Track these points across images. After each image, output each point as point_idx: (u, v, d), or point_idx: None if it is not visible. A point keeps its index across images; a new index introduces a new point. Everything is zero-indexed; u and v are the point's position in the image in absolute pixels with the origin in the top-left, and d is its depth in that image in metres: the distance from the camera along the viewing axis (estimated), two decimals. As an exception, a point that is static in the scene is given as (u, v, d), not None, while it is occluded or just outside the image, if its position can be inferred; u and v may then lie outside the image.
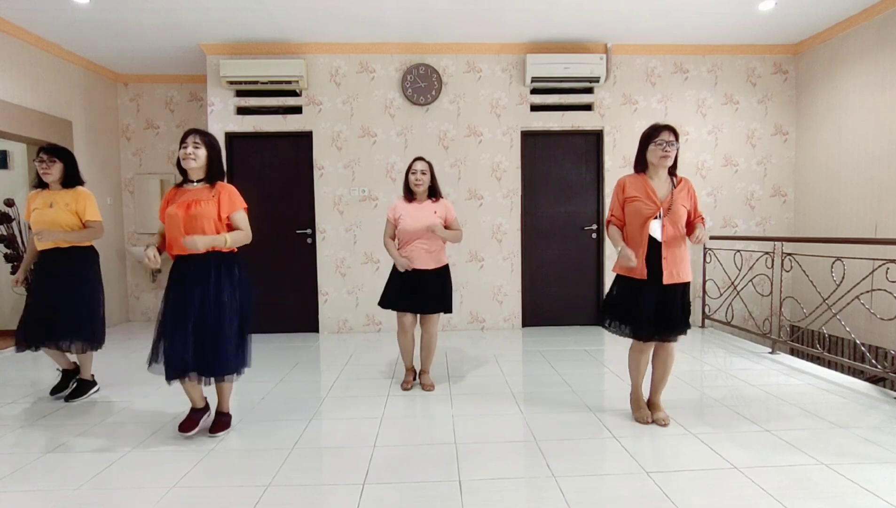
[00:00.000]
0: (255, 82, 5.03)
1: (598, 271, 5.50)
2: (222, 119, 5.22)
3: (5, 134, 4.54)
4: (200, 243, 2.44)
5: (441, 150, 5.30)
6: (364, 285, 5.33)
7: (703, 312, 5.30)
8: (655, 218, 2.60)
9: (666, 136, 2.59)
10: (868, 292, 3.48)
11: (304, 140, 5.25)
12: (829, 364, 4.05)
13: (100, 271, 3.39)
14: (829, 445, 2.46)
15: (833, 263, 3.70)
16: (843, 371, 3.78)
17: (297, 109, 5.26)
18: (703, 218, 2.73)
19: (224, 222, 2.59)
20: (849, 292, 3.63)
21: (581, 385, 3.46)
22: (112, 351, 4.64)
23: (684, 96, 5.39)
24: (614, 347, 4.58)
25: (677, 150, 2.62)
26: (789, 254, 4.19)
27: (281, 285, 5.28)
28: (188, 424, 2.67)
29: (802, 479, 2.15)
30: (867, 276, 3.49)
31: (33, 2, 4.12)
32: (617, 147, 5.37)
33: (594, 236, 5.49)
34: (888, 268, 3.28)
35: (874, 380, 3.71)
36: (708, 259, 5.29)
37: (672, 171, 2.69)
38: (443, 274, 3.36)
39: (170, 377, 2.50)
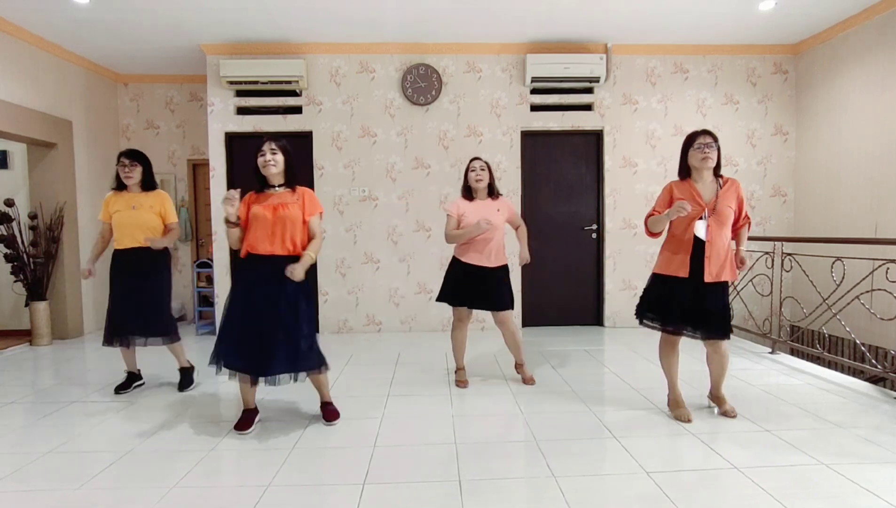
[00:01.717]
0: (255, 82, 5.03)
1: (598, 271, 5.50)
2: (222, 119, 5.22)
3: (5, 134, 4.55)
4: (299, 273, 2.57)
5: (441, 150, 5.30)
6: (364, 285, 5.33)
7: (703, 312, 5.30)
8: (700, 218, 2.67)
9: (703, 138, 2.69)
10: (868, 292, 3.48)
11: (304, 140, 5.25)
12: (829, 364, 4.05)
13: (171, 270, 3.57)
14: (829, 445, 2.46)
15: (833, 263, 3.70)
16: (843, 371, 3.78)
17: (297, 109, 5.26)
18: (749, 219, 2.82)
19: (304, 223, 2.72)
20: (849, 292, 3.63)
21: (581, 385, 3.46)
22: (112, 351, 4.63)
23: (684, 96, 5.39)
24: (614, 347, 4.58)
25: (718, 151, 2.70)
26: (789, 254, 4.19)
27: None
28: (245, 423, 2.74)
29: (802, 479, 2.15)
30: (867, 276, 3.49)
31: (33, 2, 4.13)
32: (617, 147, 5.37)
33: (594, 236, 5.49)
34: (888, 268, 3.28)
35: (874, 380, 3.71)
36: (708, 259, 5.29)
37: (717, 172, 2.78)
38: (504, 271, 3.41)
39: (240, 369, 2.60)
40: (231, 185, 5.24)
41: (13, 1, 4.12)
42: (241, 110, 5.26)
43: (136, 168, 3.31)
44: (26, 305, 4.95)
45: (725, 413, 2.86)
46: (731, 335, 2.82)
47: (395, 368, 3.95)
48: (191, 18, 4.53)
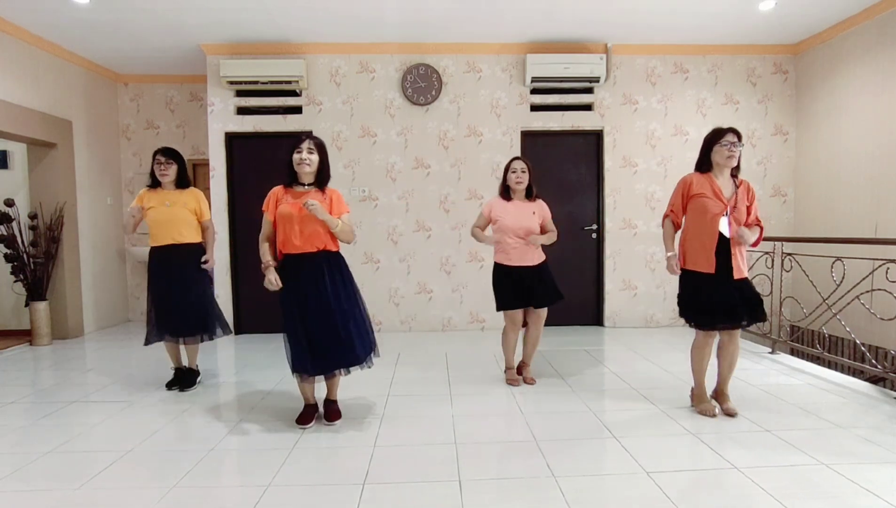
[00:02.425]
0: (256, 82, 5.03)
1: (598, 271, 5.50)
2: (222, 119, 5.22)
3: (5, 134, 4.55)
4: (320, 212, 2.57)
5: (441, 150, 5.30)
6: (364, 285, 5.27)
7: (703, 312, 5.30)
8: (724, 215, 2.70)
9: (731, 137, 2.72)
10: (868, 292, 3.48)
11: (304, 140, 5.24)
12: (829, 364, 4.05)
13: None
14: (829, 445, 2.46)
15: (833, 263, 3.70)
16: (843, 371, 3.78)
17: (297, 109, 5.26)
18: (761, 225, 2.82)
19: None
20: (849, 292, 3.63)
21: (581, 385, 3.46)
22: (112, 351, 4.64)
23: (684, 96, 5.39)
24: (614, 347, 4.58)
25: (740, 152, 2.74)
26: (789, 254, 4.19)
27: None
28: (306, 417, 2.80)
29: (802, 479, 2.15)
30: (867, 276, 3.49)
31: (33, 2, 4.13)
32: (617, 147, 5.37)
33: (594, 236, 5.49)
34: (888, 268, 3.28)
35: (874, 380, 3.70)
36: (708, 259, 5.29)
37: (734, 172, 2.81)
38: (546, 267, 3.43)
39: (312, 373, 2.67)
40: (231, 184, 5.25)
41: (13, 1, 4.12)
42: (242, 110, 5.26)
43: (172, 166, 3.35)
44: (26, 305, 4.95)
45: (727, 412, 2.86)
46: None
47: (395, 368, 3.95)
48: (191, 18, 4.53)
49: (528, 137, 5.38)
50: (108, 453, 2.49)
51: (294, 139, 2.75)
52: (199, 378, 3.60)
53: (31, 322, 4.91)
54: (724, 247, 2.72)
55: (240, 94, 5.21)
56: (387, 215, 5.31)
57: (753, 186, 2.87)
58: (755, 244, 2.83)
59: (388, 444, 2.57)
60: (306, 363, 2.64)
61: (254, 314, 5.34)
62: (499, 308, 3.45)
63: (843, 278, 3.60)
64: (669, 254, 2.86)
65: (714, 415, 2.83)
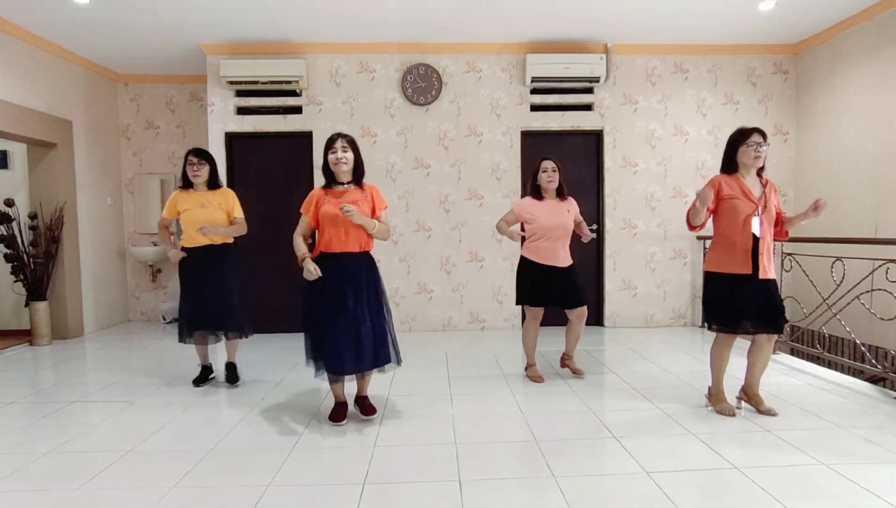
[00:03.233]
0: (255, 82, 5.03)
1: (598, 271, 5.50)
2: (222, 119, 5.22)
3: (5, 134, 4.55)
4: (356, 217, 2.60)
5: (441, 150, 5.30)
6: (364, 285, 5.32)
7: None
8: (755, 215, 2.71)
9: (757, 137, 2.72)
10: (868, 292, 3.48)
11: (304, 140, 5.25)
12: (829, 364, 4.05)
13: (239, 266, 3.64)
14: (829, 445, 2.46)
15: (833, 263, 3.70)
16: (843, 371, 3.78)
17: (297, 109, 5.26)
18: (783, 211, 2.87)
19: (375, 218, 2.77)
20: (849, 292, 3.63)
21: (581, 385, 3.46)
22: (112, 351, 4.64)
23: (684, 96, 5.39)
24: (614, 347, 4.58)
25: (766, 150, 2.76)
26: (789, 254, 4.19)
27: (280, 285, 5.27)
28: (341, 415, 2.81)
29: (802, 479, 2.15)
30: (867, 276, 3.49)
31: (33, 2, 4.13)
32: (617, 147, 5.37)
33: (594, 236, 5.48)
34: (888, 268, 3.28)
35: (874, 380, 3.70)
36: (708, 259, 5.30)
37: (760, 171, 2.82)
38: (573, 269, 3.48)
39: (342, 372, 2.66)
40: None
41: (13, 1, 4.12)
42: (242, 110, 5.26)
43: (204, 167, 3.39)
44: (26, 305, 4.95)
45: (769, 412, 2.84)
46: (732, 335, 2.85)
47: (395, 367, 3.93)
48: (191, 18, 4.53)
49: (528, 137, 5.38)
50: (108, 453, 2.49)
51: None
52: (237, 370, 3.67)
53: (31, 322, 4.91)
54: (753, 248, 2.71)
55: (240, 94, 5.21)
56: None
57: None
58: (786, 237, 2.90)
59: (388, 444, 2.56)
60: (342, 363, 2.64)
61: (254, 315, 5.32)
62: (518, 302, 3.48)
63: (843, 278, 3.60)
64: (698, 200, 2.71)
65: (733, 415, 2.83)
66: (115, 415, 3.02)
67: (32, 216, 4.96)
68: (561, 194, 3.48)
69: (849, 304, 3.67)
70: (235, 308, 3.47)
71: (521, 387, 3.46)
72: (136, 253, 5.90)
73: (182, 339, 3.45)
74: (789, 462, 2.30)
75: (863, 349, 3.61)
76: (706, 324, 2.92)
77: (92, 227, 5.55)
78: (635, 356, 4.21)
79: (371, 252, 2.83)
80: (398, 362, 2.87)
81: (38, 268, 4.89)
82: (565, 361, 3.72)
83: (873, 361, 3.54)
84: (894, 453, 2.37)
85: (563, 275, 3.41)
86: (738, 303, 2.72)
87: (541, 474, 2.23)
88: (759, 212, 2.72)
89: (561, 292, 3.41)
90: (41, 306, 4.91)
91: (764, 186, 2.80)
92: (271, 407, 3.12)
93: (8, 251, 4.80)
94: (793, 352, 4.42)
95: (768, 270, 2.73)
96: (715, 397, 2.96)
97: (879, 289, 3.36)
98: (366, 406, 2.91)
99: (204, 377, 3.58)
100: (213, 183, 3.45)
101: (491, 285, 5.36)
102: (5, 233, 4.76)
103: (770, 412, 2.84)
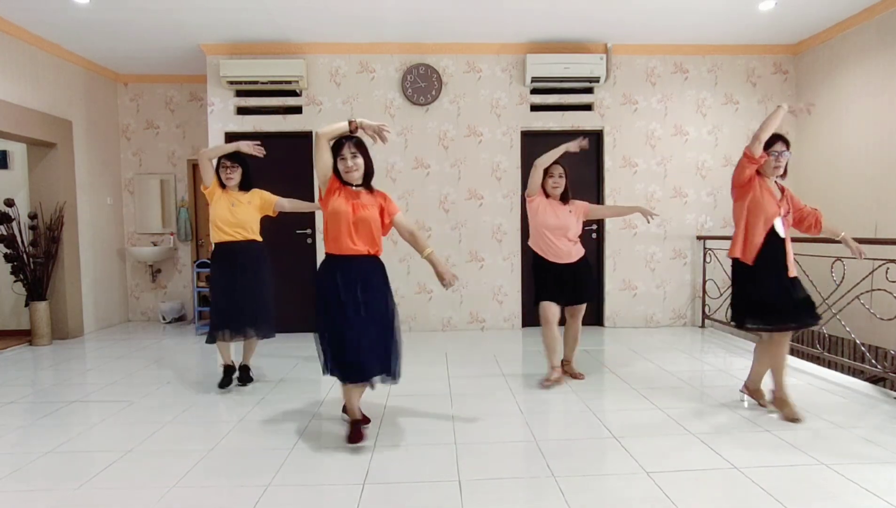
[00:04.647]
0: (255, 82, 5.03)
1: (599, 271, 5.49)
2: (222, 119, 5.22)
3: (5, 134, 4.55)
4: (448, 277, 2.67)
5: (441, 150, 5.30)
6: (364, 285, 5.32)
7: (703, 312, 5.31)
8: (778, 217, 2.75)
9: (779, 146, 2.75)
10: (868, 292, 3.48)
11: (304, 140, 5.24)
12: (829, 364, 4.05)
13: (271, 264, 3.60)
14: (829, 445, 2.46)
15: (833, 263, 3.70)
16: (843, 371, 3.78)
17: (297, 109, 5.26)
18: (817, 211, 2.89)
19: (386, 225, 2.70)
20: (849, 292, 3.63)
21: (581, 385, 3.46)
22: (112, 351, 4.64)
23: (684, 96, 5.39)
24: (614, 347, 4.58)
25: (788, 158, 2.78)
26: (789, 254, 4.19)
27: (280, 285, 5.25)
28: (357, 436, 2.59)
29: (802, 479, 2.15)
30: (867, 276, 3.49)
31: (33, 2, 4.12)
32: (617, 147, 5.37)
33: (594, 236, 5.49)
34: (888, 268, 3.28)
35: (874, 380, 3.70)
36: (708, 259, 5.30)
37: (780, 177, 2.85)
38: (586, 264, 3.50)
39: (356, 380, 2.55)
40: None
41: (13, 1, 4.12)
42: (241, 110, 5.26)
43: (237, 170, 3.42)
44: (26, 305, 4.95)
45: (794, 418, 2.75)
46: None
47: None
48: (191, 18, 4.52)
49: (528, 137, 5.38)
50: (108, 453, 2.49)
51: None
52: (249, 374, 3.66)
53: (31, 322, 4.91)
54: (775, 247, 2.74)
55: (240, 94, 5.20)
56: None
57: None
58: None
59: (388, 444, 2.57)
60: (344, 371, 2.54)
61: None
62: (537, 301, 3.46)
63: (843, 278, 3.60)
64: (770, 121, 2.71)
65: (799, 419, 2.75)
66: (115, 415, 3.02)
67: (32, 216, 4.96)
68: (565, 198, 3.50)
69: (849, 304, 3.67)
70: (270, 308, 3.49)
71: (521, 387, 3.46)
72: (135, 253, 5.90)
73: (212, 339, 3.37)
74: (789, 461, 2.30)
75: (863, 349, 3.61)
76: (746, 327, 2.85)
77: (92, 227, 5.55)
78: (635, 356, 4.21)
79: (379, 256, 2.71)
80: (394, 376, 2.66)
81: (38, 268, 4.89)
82: (564, 366, 3.68)
83: (873, 361, 3.54)
84: (894, 453, 2.37)
85: (573, 270, 3.43)
86: (781, 296, 2.73)
87: (541, 474, 2.23)
88: (782, 214, 2.76)
89: (574, 287, 3.43)
90: (41, 306, 4.91)
91: (782, 192, 2.83)
92: (271, 407, 3.12)
93: (8, 251, 4.80)
94: (793, 352, 4.42)
95: (793, 268, 2.79)
96: (778, 401, 2.86)
97: (879, 289, 3.36)
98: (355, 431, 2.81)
99: (229, 378, 3.50)
100: (244, 185, 3.49)
101: (491, 285, 5.36)
102: (5, 233, 4.76)
103: (796, 418, 2.76)
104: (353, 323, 2.52)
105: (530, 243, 3.55)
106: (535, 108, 5.35)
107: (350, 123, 2.56)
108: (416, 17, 4.62)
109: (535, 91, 5.31)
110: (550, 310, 3.42)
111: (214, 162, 3.43)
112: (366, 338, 2.53)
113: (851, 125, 4.75)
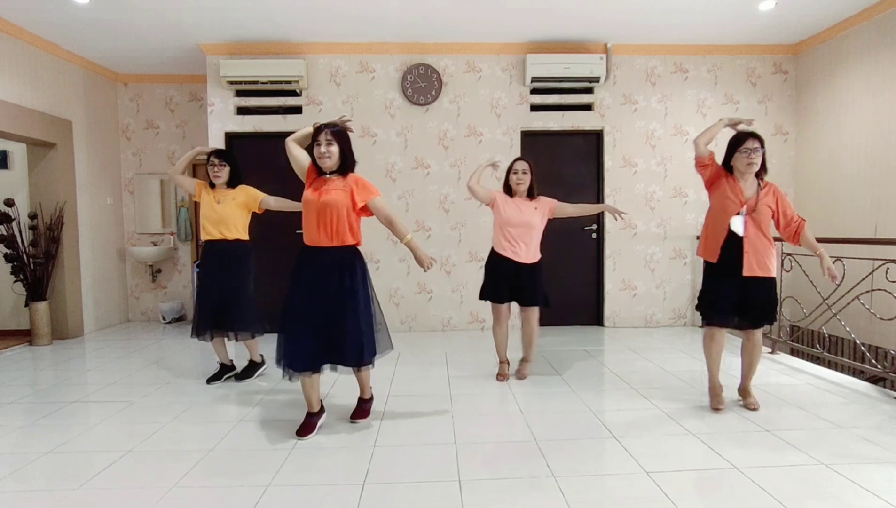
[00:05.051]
0: (255, 82, 5.03)
1: (598, 271, 5.50)
2: (222, 119, 5.22)
3: (5, 134, 4.54)
4: (425, 262, 2.68)
5: (441, 150, 5.30)
6: (364, 285, 5.32)
7: (703, 312, 5.31)
8: (738, 214, 2.79)
9: (751, 143, 2.77)
10: (868, 292, 3.48)
11: (304, 140, 5.24)
12: (829, 364, 4.05)
13: (254, 264, 3.63)
14: (829, 445, 2.46)
15: (833, 263, 3.69)
16: (843, 371, 3.78)
17: (297, 109, 5.26)
18: (801, 221, 2.87)
19: (358, 211, 2.63)
20: (849, 292, 3.63)
21: (580, 385, 3.46)
22: (112, 351, 4.64)
23: (684, 96, 5.39)
24: (614, 347, 4.58)
25: (763, 155, 2.78)
26: (789, 254, 4.19)
27: (280, 285, 5.26)
28: (307, 429, 2.66)
29: (802, 479, 2.15)
30: (867, 276, 3.49)
31: (33, 2, 4.12)
32: (617, 147, 5.37)
33: (594, 236, 5.49)
34: (888, 268, 3.28)
35: (874, 380, 3.70)
36: (708, 259, 5.29)
37: (760, 174, 2.86)
38: (538, 268, 3.49)
39: (300, 368, 2.54)
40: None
41: (13, 1, 4.12)
42: (241, 110, 5.26)
43: (225, 168, 3.45)
44: (26, 305, 4.95)
45: (749, 406, 2.96)
46: (732, 335, 2.88)
47: (395, 368, 3.94)
48: (191, 18, 4.52)
49: (528, 137, 5.38)
50: (108, 453, 2.49)
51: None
52: (263, 368, 3.74)
53: (31, 322, 4.91)
54: (735, 246, 2.79)
55: (240, 94, 5.20)
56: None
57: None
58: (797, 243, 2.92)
59: (388, 444, 2.56)
60: (297, 361, 2.53)
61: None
62: (481, 297, 3.55)
63: (843, 278, 3.59)
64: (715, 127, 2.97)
65: (721, 409, 2.92)
66: (115, 415, 3.02)
67: (32, 216, 4.95)
68: (531, 194, 3.48)
69: (849, 304, 3.67)
70: (245, 307, 3.48)
71: (521, 387, 3.46)
72: (135, 253, 5.89)
73: (194, 334, 3.47)
74: (789, 462, 2.30)
75: (863, 349, 3.61)
76: (702, 320, 3.02)
77: (92, 227, 5.55)
78: (635, 356, 4.21)
79: (355, 247, 2.68)
80: (367, 361, 2.65)
81: (38, 268, 4.89)
82: (521, 362, 3.71)
83: (873, 361, 3.54)
84: (894, 453, 2.37)
85: (527, 271, 3.44)
86: (723, 295, 2.84)
87: (541, 474, 2.23)
88: (744, 212, 2.79)
89: (521, 288, 3.45)
90: (41, 307, 4.90)
91: (761, 188, 2.82)
92: (271, 407, 3.12)
93: (8, 251, 4.79)
94: (793, 352, 4.42)
95: (756, 267, 2.79)
96: (711, 391, 3.03)
97: (879, 289, 3.36)
98: (358, 409, 2.90)
99: (219, 375, 3.60)
100: (233, 183, 3.51)
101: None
102: (5, 233, 4.76)
103: (751, 406, 2.95)
104: (306, 315, 2.55)
105: (493, 244, 3.55)
106: (535, 108, 5.35)
107: (314, 125, 2.64)
108: (416, 17, 4.62)
109: (535, 91, 5.31)
110: (501, 310, 3.56)
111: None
112: (324, 328, 2.55)
113: (851, 125, 4.75)
